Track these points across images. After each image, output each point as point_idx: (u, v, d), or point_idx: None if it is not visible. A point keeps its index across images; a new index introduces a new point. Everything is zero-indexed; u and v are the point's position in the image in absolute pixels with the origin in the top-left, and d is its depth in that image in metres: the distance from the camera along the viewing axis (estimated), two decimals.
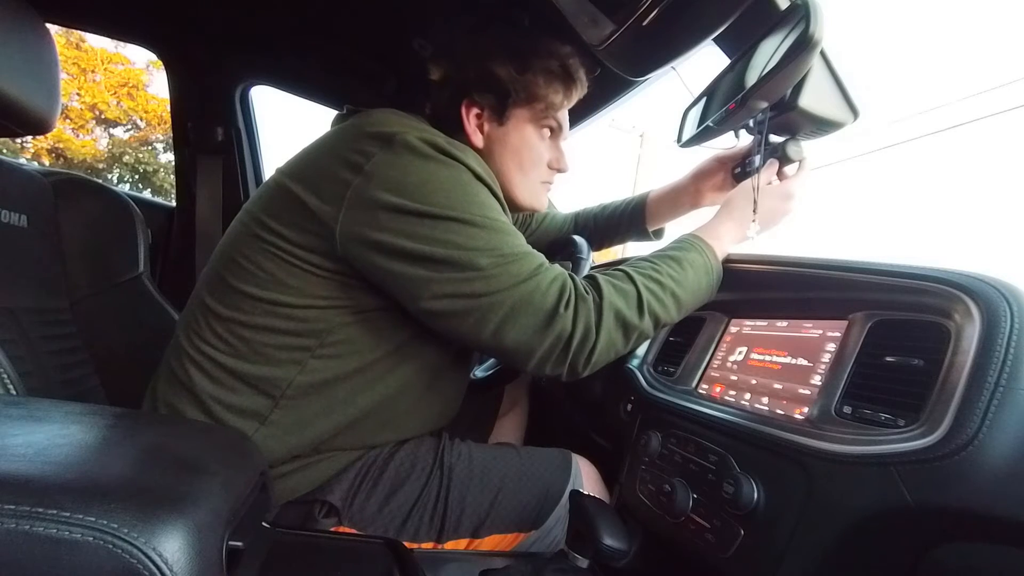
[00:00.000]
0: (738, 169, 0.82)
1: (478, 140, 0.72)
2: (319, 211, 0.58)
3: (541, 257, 0.60)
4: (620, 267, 0.65)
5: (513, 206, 0.76)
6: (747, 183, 0.73)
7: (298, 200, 0.59)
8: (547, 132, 0.75)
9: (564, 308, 0.57)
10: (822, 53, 0.62)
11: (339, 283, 0.60)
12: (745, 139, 0.79)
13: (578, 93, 0.75)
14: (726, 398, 0.62)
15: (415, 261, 0.56)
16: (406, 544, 0.58)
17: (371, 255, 0.57)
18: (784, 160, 0.72)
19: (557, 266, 0.61)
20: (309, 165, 0.62)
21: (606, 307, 0.58)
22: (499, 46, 0.71)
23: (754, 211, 0.70)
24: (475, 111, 0.71)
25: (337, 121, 0.70)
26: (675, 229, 1.00)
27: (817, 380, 0.52)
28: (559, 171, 0.79)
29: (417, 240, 0.56)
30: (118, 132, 13.67)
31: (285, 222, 0.60)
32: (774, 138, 0.73)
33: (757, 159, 0.73)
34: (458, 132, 0.71)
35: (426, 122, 0.67)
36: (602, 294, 0.59)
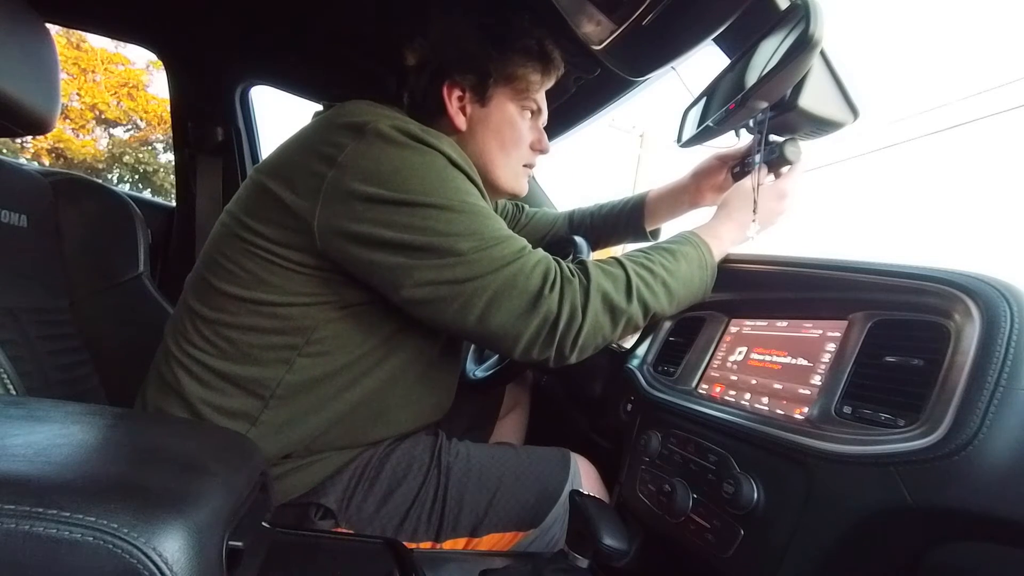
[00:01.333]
0: (737, 168, 0.82)
1: (461, 122, 0.71)
2: (296, 206, 0.57)
3: (523, 240, 0.60)
4: (612, 256, 0.65)
5: (494, 190, 0.76)
6: (744, 183, 0.73)
7: (275, 197, 0.59)
8: (528, 113, 0.75)
9: (549, 290, 0.56)
10: (822, 53, 0.62)
11: (321, 279, 0.59)
12: (746, 138, 0.79)
13: (555, 73, 0.75)
14: (726, 398, 0.62)
15: (395, 250, 0.56)
16: (405, 544, 0.58)
17: (350, 247, 0.57)
18: (781, 160, 0.72)
19: (540, 250, 0.61)
20: (284, 161, 0.61)
21: (593, 289, 0.58)
22: (475, 27, 0.71)
23: (754, 211, 0.71)
24: (457, 93, 0.71)
25: (316, 116, 0.69)
26: (672, 229, 1.01)
27: (817, 380, 0.52)
28: (540, 152, 0.79)
29: (395, 228, 0.55)
30: (118, 132, 13.69)
31: (264, 220, 0.59)
32: (774, 138, 0.74)
33: (756, 158, 0.73)
34: (440, 116, 0.71)
35: (401, 111, 0.67)
36: (589, 277, 0.59)
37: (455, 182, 0.59)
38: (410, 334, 0.66)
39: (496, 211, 0.70)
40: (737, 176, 0.82)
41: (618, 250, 1.26)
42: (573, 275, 0.59)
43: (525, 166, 0.78)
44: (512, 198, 0.96)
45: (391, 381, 0.66)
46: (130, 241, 0.94)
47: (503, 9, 0.73)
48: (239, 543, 0.35)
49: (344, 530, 0.63)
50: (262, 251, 0.59)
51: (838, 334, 0.53)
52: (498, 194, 0.78)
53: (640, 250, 0.66)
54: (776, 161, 0.72)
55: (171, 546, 0.29)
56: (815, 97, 0.65)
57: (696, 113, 0.83)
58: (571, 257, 0.89)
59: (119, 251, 0.93)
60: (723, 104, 0.72)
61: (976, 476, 0.35)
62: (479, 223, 0.57)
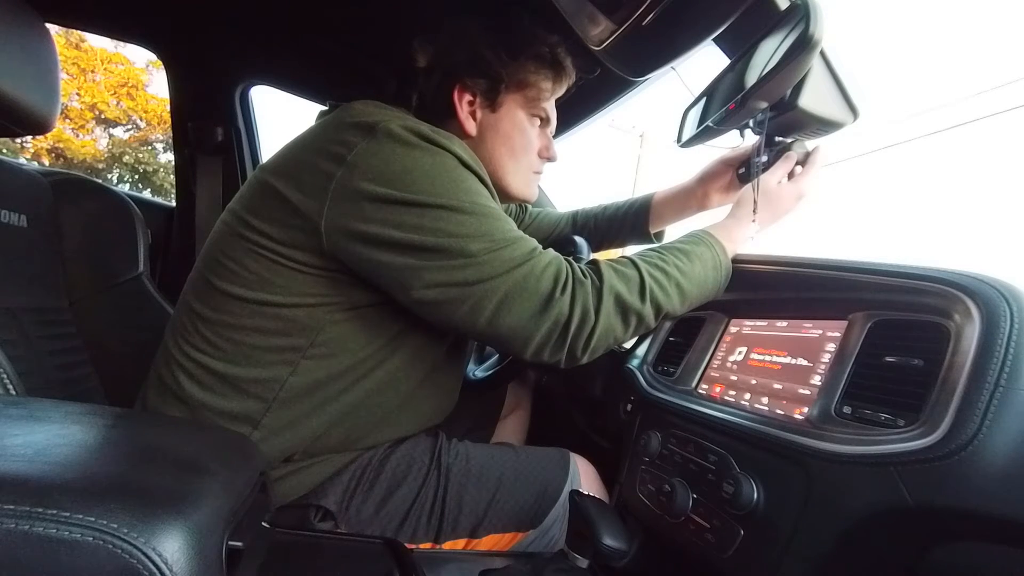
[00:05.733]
0: (742, 169, 0.82)
1: (471, 127, 0.71)
2: (303, 206, 0.57)
3: (534, 242, 0.60)
4: (625, 256, 0.64)
5: (504, 195, 0.76)
6: (761, 182, 0.73)
7: (281, 196, 0.58)
8: (537, 121, 0.75)
9: (560, 292, 0.56)
10: (822, 53, 0.62)
11: (327, 280, 0.59)
12: (750, 139, 0.79)
13: (567, 82, 0.75)
14: (726, 398, 0.62)
15: (404, 251, 0.55)
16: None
17: (359, 247, 0.56)
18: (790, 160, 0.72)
19: (552, 250, 0.60)
20: (291, 160, 0.61)
21: (606, 291, 0.57)
22: (488, 31, 0.70)
23: (754, 211, 0.70)
24: (467, 97, 0.71)
25: (320, 116, 0.69)
26: (674, 231, 1.01)
27: (817, 380, 0.52)
28: (548, 160, 0.79)
29: (405, 229, 0.55)
30: (118, 132, 13.69)
31: (268, 220, 0.59)
32: (780, 139, 0.74)
33: (758, 159, 0.73)
34: (449, 119, 0.71)
35: (410, 112, 0.67)
36: (602, 278, 0.58)
37: (465, 183, 0.58)
38: (414, 336, 0.65)
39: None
40: (742, 177, 0.82)
41: (619, 252, 1.26)
42: (585, 276, 0.58)
43: (534, 172, 0.78)
44: (522, 203, 0.95)
45: (393, 382, 0.66)
46: (130, 241, 0.94)
47: (504, 9, 0.73)
48: (239, 543, 0.35)
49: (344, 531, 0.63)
50: (267, 251, 0.58)
51: (838, 334, 0.53)
52: (508, 199, 0.78)
53: (653, 249, 0.66)
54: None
55: (171, 546, 0.29)
56: (815, 97, 0.65)
57: (696, 113, 0.83)
58: (571, 257, 0.89)
59: (119, 251, 0.93)
60: (723, 104, 0.72)
61: (976, 476, 0.35)
62: (489, 224, 0.57)
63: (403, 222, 0.55)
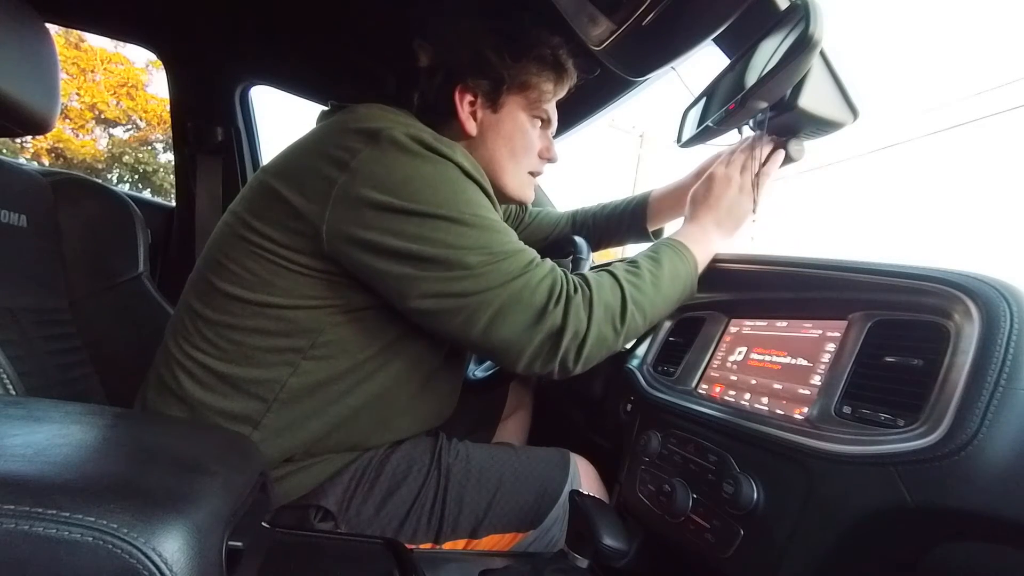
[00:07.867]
0: None
1: (471, 127, 0.71)
2: (304, 210, 0.57)
3: (533, 253, 0.60)
4: (602, 268, 0.66)
5: (501, 197, 0.76)
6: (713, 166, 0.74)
7: (283, 199, 0.58)
8: (538, 122, 0.76)
9: (554, 304, 0.56)
10: (822, 53, 0.61)
11: (328, 283, 0.59)
12: (747, 134, 0.79)
13: (568, 83, 0.75)
14: (726, 398, 0.62)
15: (403, 260, 0.55)
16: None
17: (358, 253, 0.56)
18: (786, 160, 0.72)
19: (549, 261, 0.61)
20: (293, 163, 0.61)
21: (596, 302, 0.58)
22: (491, 32, 0.70)
23: (754, 211, 0.71)
24: (469, 98, 0.71)
25: (322, 117, 0.69)
26: (673, 229, 1.00)
27: (817, 380, 0.52)
28: (549, 161, 0.79)
29: (404, 238, 0.55)
30: (118, 132, 13.68)
31: (270, 222, 0.59)
32: (775, 136, 0.74)
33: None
34: (450, 119, 0.71)
35: (413, 116, 0.67)
36: (591, 289, 0.59)
37: (467, 194, 0.58)
38: (414, 340, 0.66)
39: (502, 213, 0.70)
40: None
41: (618, 251, 1.26)
42: (577, 289, 0.59)
43: (531, 173, 0.78)
44: (519, 205, 0.96)
45: (394, 386, 0.66)
46: (130, 241, 0.94)
47: (504, 9, 0.73)
48: (239, 543, 0.35)
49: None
50: (268, 253, 0.58)
51: (838, 334, 0.53)
52: (505, 201, 0.78)
53: (625, 260, 0.68)
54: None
55: (171, 546, 0.29)
56: (815, 97, 0.65)
57: (696, 113, 0.83)
58: (571, 257, 0.89)
59: (119, 251, 0.93)
60: (723, 104, 0.72)
61: (976, 476, 0.35)
62: (489, 237, 0.57)
63: (403, 231, 0.55)
